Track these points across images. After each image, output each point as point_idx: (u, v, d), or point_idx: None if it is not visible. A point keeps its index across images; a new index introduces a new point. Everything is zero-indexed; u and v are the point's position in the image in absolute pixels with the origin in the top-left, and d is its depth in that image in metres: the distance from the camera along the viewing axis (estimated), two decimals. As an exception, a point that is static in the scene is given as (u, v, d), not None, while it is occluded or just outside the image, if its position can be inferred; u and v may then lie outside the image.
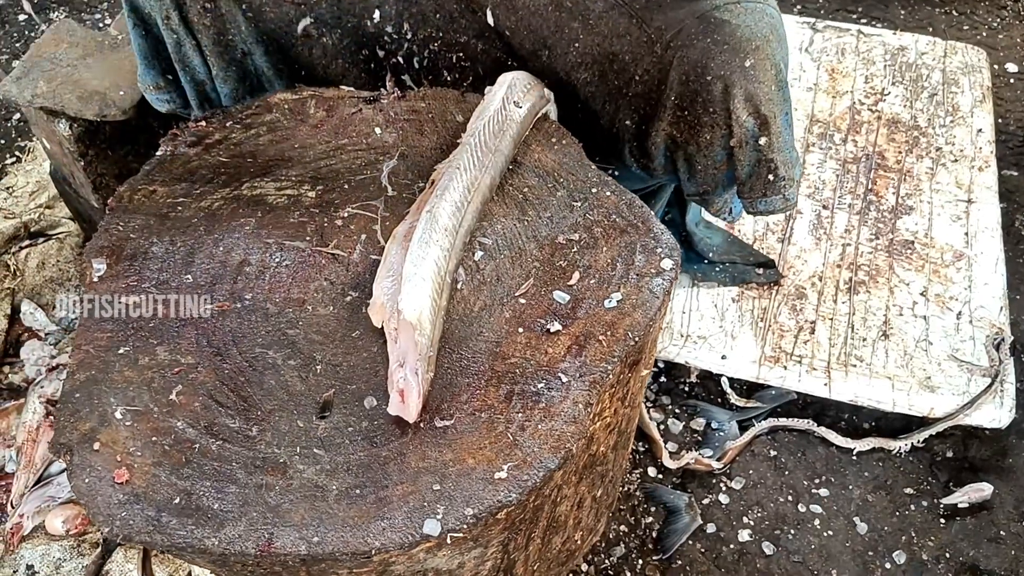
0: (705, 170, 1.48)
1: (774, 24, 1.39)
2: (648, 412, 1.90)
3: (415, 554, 1.04)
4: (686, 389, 1.96)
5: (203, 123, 1.40)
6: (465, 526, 1.01)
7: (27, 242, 2.12)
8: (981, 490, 1.78)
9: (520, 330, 1.17)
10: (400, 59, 1.53)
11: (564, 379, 1.11)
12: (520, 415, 1.09)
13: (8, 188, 2.25)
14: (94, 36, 1.83)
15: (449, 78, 1.55)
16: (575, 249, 1.26)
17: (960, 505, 1.78)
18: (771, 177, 1.46)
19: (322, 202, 1.31)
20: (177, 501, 1.01)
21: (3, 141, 2.45)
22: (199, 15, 1.46)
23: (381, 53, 1.53)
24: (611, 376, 1.13)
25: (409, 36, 1.50)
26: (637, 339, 1.15)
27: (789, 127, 1.45)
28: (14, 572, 1.60)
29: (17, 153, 2.39)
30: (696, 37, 1.36)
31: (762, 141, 1.41)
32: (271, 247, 1.25)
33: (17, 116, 2.51)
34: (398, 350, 1.10)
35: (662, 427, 1.89)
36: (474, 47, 1.51)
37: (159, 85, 1.57)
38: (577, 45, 1.43)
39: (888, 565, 1.70)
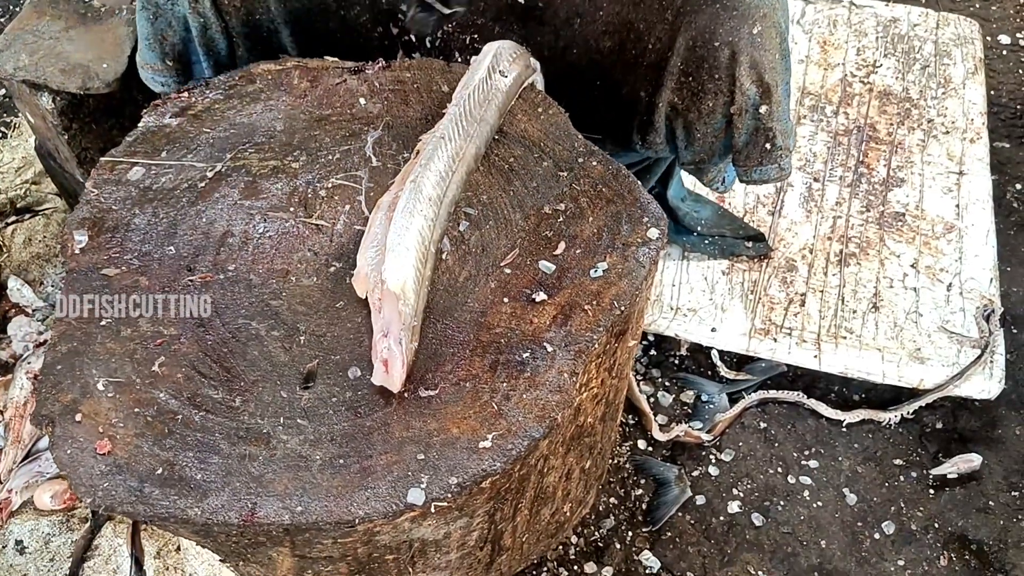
0: (704, 138, 1.48)
1: None
2: (638, 385, 1.89)
3: (400, 523, 1.04)
4: (676, 362, 1.96)
5: (186, 94, 1.38)
6: (449, 495, 1.00)
7: (13, 218, 2.11)
8: (970, 461, 1.78)
9: (505, 300, 1.16)
10: (412, 37, 1.52)
11: (549, 348, 1.11)
12: (505, 384, 1.08)
13: (-6, 164, 2.24)
14: (77, 8, 1.81)
15: (460, 59, 1.54)
16: (561, 219, 1.25)
17: (949, 476, 1.78)
18: (768, 146, 1.46)
19: (306, 172, 1.30)
20: (160, 472, 1.01)
21: (-11, 117, 2.43)
22: None
23: (395, 31, 1.52)
24: (597, 346, 1.13)
25: None
26: (623, 308, 1.15)
27: (788, 97, 1.45)
28: (3, 547, 1.60)
29: (2, 129, 2.36)
30: (705, 2, 1.35)
31: (763, 109, 1.41)
32: (254, 218, 1.24)
33: (2, 92, 2.49)
34: (382, 320, 1.09)
35: (652, 400, 1.89)
36: (491, 29, 1.49)
37: (157, 67, 1.56)
38: (602, 13, 1.43)
39: (877, 535, 1.70)
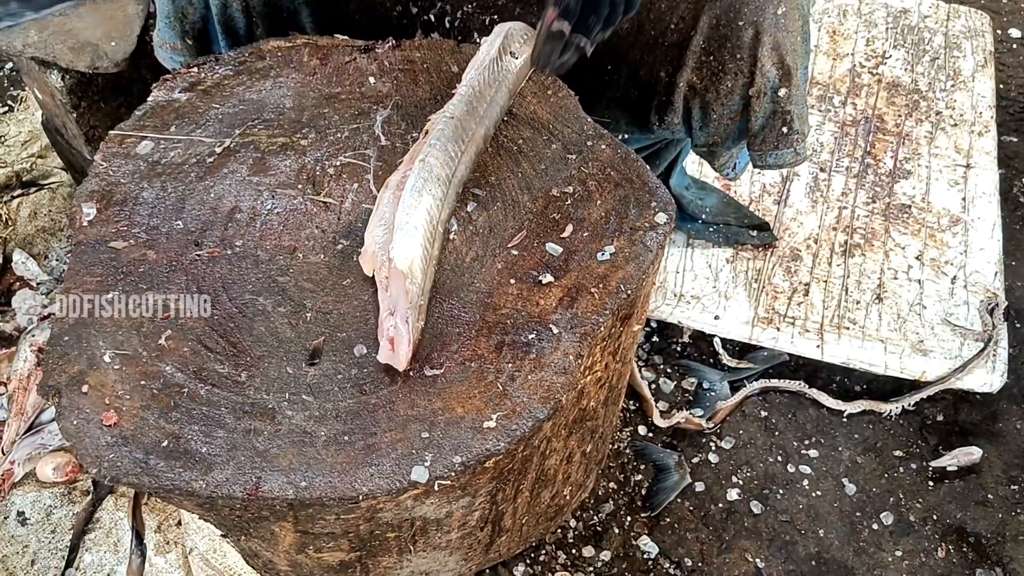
0: (720, 119, 1.48)
1: None
2: (640, 371, 1.90)
3: (403, 501, 1.04)
4: (678, 349, 1.96)
5: (195, 69, 1.38)
6: (453, 474, 1.01)
7: (19, 191, 2.11)
8: (970, 454, 1.79)
9: (512, 281, 1.16)
10: (431, 17, 1.51)
11: (555, 330, 1.11)
12: (510, 365, 1.08)
13: (0, 137, 2.23)
14: (86, -18, 1.80)
15: (479, 40, 1.53)
16: (569, 202, 1.25)
17: (949, 468, 1.79)
18: (785, 130, 1.46)
19: (314, 150, 1.30)
20: (165, 444, 1.01)
21: (-5, 90, 2.43)
22: None
23: (414, 10, 1.51)
24: (602, 329, 1.13)
25: None
26: (630, 292, 1.15)
27: (806, 81, 1.45)
28: (4, 518, 1.61)
29: (9, 102, 2.36)
30: None
31: (781, 92, 1.41)
32: (262, 194, 1.24)
33: (9, 66, 2.48)
34: (389, 298, 1.09)
35: (653, 386, 1.89)
36: (511, 10, 1.49)
37: (176, 46, 1.55)
38: None
39: (875, 526, 1.71)
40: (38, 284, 1.96)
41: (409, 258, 1.10)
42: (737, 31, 1.36)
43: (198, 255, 1.18)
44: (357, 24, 1.52)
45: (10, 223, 2.04)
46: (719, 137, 1.52)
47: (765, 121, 1.46)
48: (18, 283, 1.97)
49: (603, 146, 1.31)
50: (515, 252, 1.19)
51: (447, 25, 1.52)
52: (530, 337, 1.11)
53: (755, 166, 1.54)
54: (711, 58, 1.41)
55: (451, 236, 1.21)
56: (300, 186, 1.26)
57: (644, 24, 1.44)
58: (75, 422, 1.02)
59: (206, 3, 1.47)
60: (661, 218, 1.22)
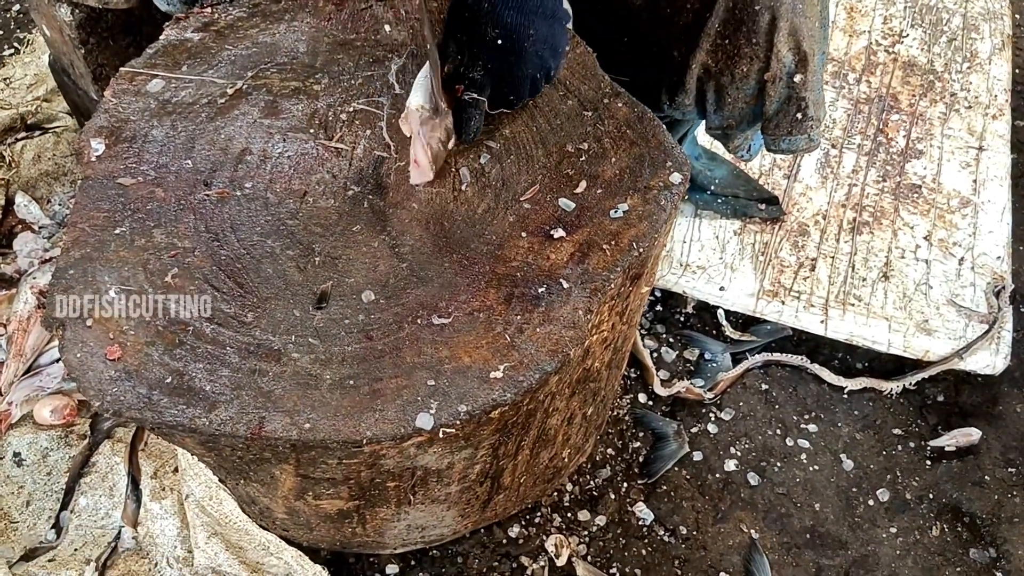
0: (734, 103, 1.46)
1: None
2: (642, 340, 1.89)
3: (406, 448, 1.03)
4: (681, 319, 1.95)
5: (209, 9, 1.36)
6: (458, 422, 1.00)
7: (23, 134, 2.09)
8: (969, 435, 1.78)
9: (523, 234, 1.15)
10: None
11: (565, 285, 1.10)
12: (519, 317, 1.08)
13: (5, 79, 2.21)
14: (97, -84, 1.77)
15: None
16: (583, 158, 1.23)
17: (947, 448, 1.79)
18: (799, 116, 1.44)
19: (327, 96, 1.28)
20: (169, 381, 1.00)
21: (1, 32, 2.40)
22: None
23: None
24: (612, 286, 1.12)
25: None
26: (642, 250, 1.14)
27: (823, 67, 1.43)
28: (1, 458, 1.60)
29: (16, 44, 2.33)
30: None
31: (797, 78, 1.39)
32: (274, 137, 1.23)
33: (16, 7, 2.45)
34: (414, 134, 1.17)
35: (655, 355, 1.88)
36: None
37: None
38: None
39: (871, 502, 1.71)
40: (40, 228, 1.94)
41: (420, 99, 1.16)
42: (753, 15, 1.35)
43: (207, 195, 1.16)
44: None
45: (13, 165, 2.02)
46: (733, 120, 1.51)
47: (780, 106, 1.44)
48: (20, 226, 1.96)
49: (620, 104, 1.29)
50: (527, 206, 1.18)
51: None
52: (540, 290, 1.10)
53: (768, 150, 1.53)
54: (726, 41, 1.39)
55: (463, 187, 1.20)
56: (312, 131, 1.24)
57: (660, 0, 1.42)
58: (79, 355, 1.01)
59: None
60: (676, 178, 1.21)
